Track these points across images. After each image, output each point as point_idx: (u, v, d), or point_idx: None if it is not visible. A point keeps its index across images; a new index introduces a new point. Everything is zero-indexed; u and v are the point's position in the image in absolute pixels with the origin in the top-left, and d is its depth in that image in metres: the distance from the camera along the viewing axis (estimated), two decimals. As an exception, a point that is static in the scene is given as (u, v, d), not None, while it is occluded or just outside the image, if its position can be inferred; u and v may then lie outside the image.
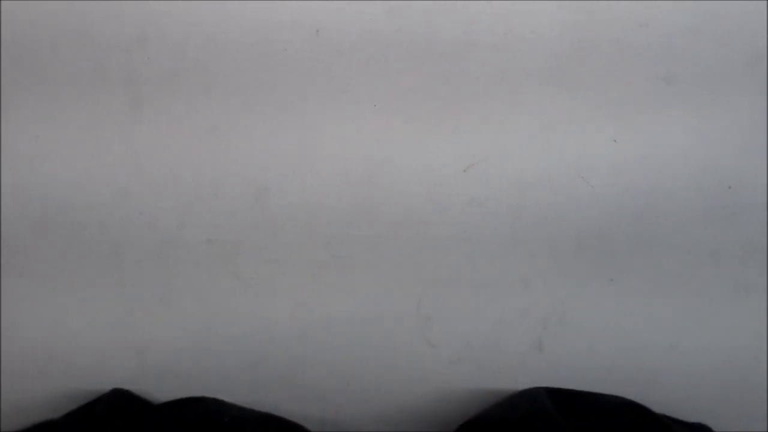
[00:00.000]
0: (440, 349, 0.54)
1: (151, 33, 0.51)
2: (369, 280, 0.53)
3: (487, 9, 0.51)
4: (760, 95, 0.51)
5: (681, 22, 0.51)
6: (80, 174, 0.52)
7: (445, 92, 0.51)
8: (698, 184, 0.52)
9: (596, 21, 0.51)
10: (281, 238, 0.52)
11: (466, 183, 0.52)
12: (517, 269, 0.53)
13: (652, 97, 0.51)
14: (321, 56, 0.51)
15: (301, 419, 0.54)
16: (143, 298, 0.53)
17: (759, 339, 0.53)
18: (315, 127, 0.51)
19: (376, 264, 0.53)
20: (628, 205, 0.52)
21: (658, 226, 0.52)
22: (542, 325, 0.53)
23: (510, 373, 0.54)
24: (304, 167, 0.52)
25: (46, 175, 0.52)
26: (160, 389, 0.54)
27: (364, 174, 0.52)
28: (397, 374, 0.54)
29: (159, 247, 0.52)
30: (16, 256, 0.52)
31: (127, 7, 0.50)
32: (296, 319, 0.53)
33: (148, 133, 0.51)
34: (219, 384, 0.54)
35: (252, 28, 0.51)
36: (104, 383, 0.53)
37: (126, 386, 0.54)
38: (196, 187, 0.52)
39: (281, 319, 0.53)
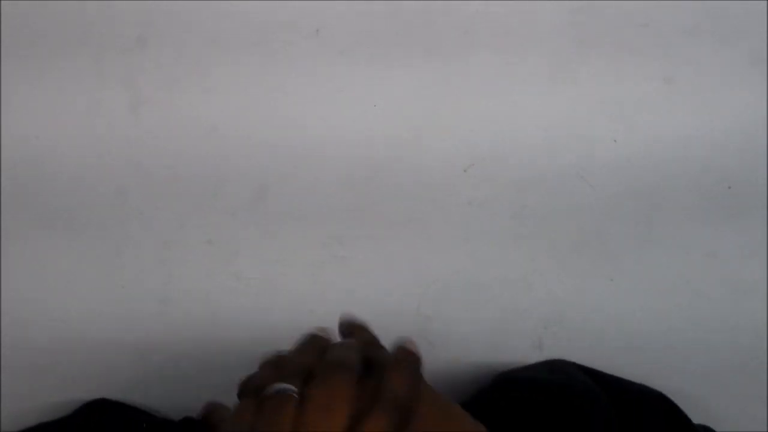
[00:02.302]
0: (440, 349, 0.54)
1: (151, 33, 0.51)
2: (369, 280, 0.53)
3: (487, 9, 0.51)
4: (760, 95, 0.51)
5: (681, 22, 0.51)
6: (80, 174, 0.52)
7: (445, 92, 0.51)
8: (698, 184, 0.52)
9: (596, 21, 0.51)
10: (281, 238, 0.52)
11: (466, 183, 0.52)
12: (517, 269, 0.53)
13: (652, 97, 0.51)
14: (321, 56, 0.51)
15: (301, 419, 0.54)
16: (143, 298, 0.53)
17: (759, 339, 0.53)
18: (315, 126, 0.51)
19: (376, 264, 0.53)
20: (628, 205, 0.52)
21: (658, 226, 0.52)
22: (542, 325, 0.53)
23: (510, 373, 0.54)
24: (304, 167, 0.52)
25: (46, 175, 0.52)
26: (160, 390, 0.54)
27: (364, 174, 0.52)
28: (397, 374, 0.54)
29: (159, 247, 0.52)
30: (17, 255, 0.52)
31: (127, 8, 0.50)
32: (296, 319, 0.53)
33: (148, 133, 0.51)
34: (219, 384, 0.54)
35: (252, 28, 0.51)
36: (105, 384, 0.53)
37: (126, 386, 0.54)
38: (196, 187, 0.52)
39: (281, 319, 0.53)
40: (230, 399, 0.54)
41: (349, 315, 0.39)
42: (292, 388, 0.29)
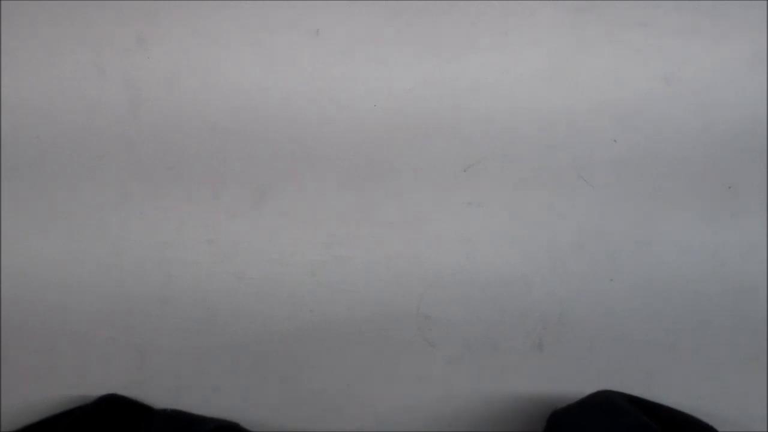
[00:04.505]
0: (440, 349, 0.54)
1: (151, 33, 0.51)
2: (369, 280, 0.53)
3: (487, 9, 0.51)
4: (760, 95, 0.51)
5: (681, 22, 0.51)
6: (80, 174, 0.52)
7: (445, 92, 0.51)
8: (698, 184, 0.52)
9: (596, 21, 0.51)
10: (281, 238, 0.52)
11: (466, 183, 0.52)
12: (517, 269, 0.53)
13: (652, 97, 0.51)
14: (321, 56, 0.51)
15: (301, 419, 0.54)
16: (143, 298, 0.53)
17: (759, 339, 0.53)
18: (315, 126, 0.51)
19: (376, 264, 0.53)
20: (628, 205, 0.52)
21: (658, 227, 0.52)
22: (542, 325, 0.53)
23: (510, 373, 0.54)
24: (304, 167, 0.52)
25: (47, 175, 0.52)
26: (160, 389, 0.54)
27: (364, 174, 0.52)
28: (397, 374, 0.54)
29: (159, 247, 0.52)
30: (17, 254, 0.52)
31: (127, 7, 0.50)
32: (296, 319, 0.53)
33: (148, 133, 0.51)
34: (219, 384, 0.54)
35: (252, 28, 0.51)
36: (104, 383, 0.53)
37: (126, 386, 0.54)
38: (196, 187, 0.52)
39: (281, 319, 0.53)
40: (229, 399, 0.54)
41: None
42: None
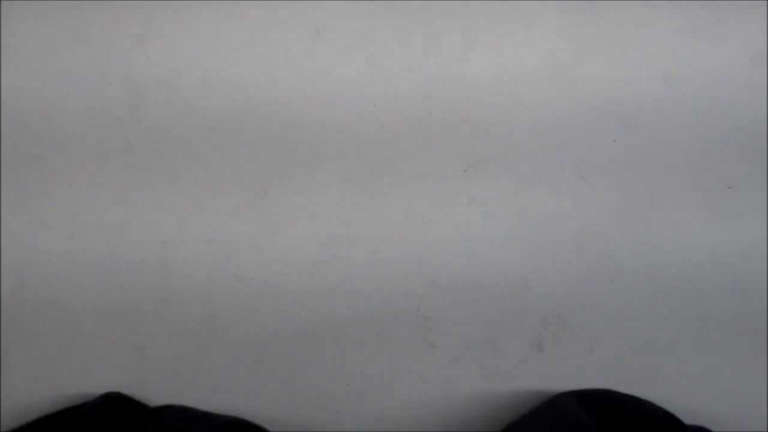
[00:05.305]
0: (440, 349, 0.54)
1: (151, 33, 0.51)
2: (369, 280, 0.53)
3: (487, 9, 0.51)
4: (760, 95, 0.51)
5: (681, 22, 0.51)
6: (80, 175, 0.52)
7: (444, 92, 0.51)
8: (698, 184, 0.52)
9: (596, 21, 0.51)
10: (281, 238, 0.52)
11: (466, 183, 0.52)
12: (517, 269, 0.53)
13: (652, 97, 0.51)
14: (321, 56, 0.51)
15: (301, 419, 0.54)
16: (143, 298, 0.53)
17: (759, 339, 0.53)
18: (315, 126, 0.51)
19: (376, 264, 0.53)
20: (628, 205, 0.52)
21: (658, 226, 0.52)
22: (542, 325, 0.53)
23: (510, 373, 0.54)
24: (304, 167, 0.52)
25: (47, 175, 0.52)
26: (160, 389, 0.54)
27: (364, 174, 0.52)
28: (397, 374, 0.54)
29: (159, 247, 0.52)
30: (17, 255, 0.52)
31: (127, 7, 0.51)
32: (296, 319, 0.53)
33: (147, 133, 0.51)
34: (219, 384, 0.54)
35: (252, 28, 0.51)
36: (104, 383, 0.53)
37: (126, 386, 0.54)
38: (196, 187, 0.52)
39: (281, 319, 0.53)
40: (229, 399, 0.54)
41: None
42: None
